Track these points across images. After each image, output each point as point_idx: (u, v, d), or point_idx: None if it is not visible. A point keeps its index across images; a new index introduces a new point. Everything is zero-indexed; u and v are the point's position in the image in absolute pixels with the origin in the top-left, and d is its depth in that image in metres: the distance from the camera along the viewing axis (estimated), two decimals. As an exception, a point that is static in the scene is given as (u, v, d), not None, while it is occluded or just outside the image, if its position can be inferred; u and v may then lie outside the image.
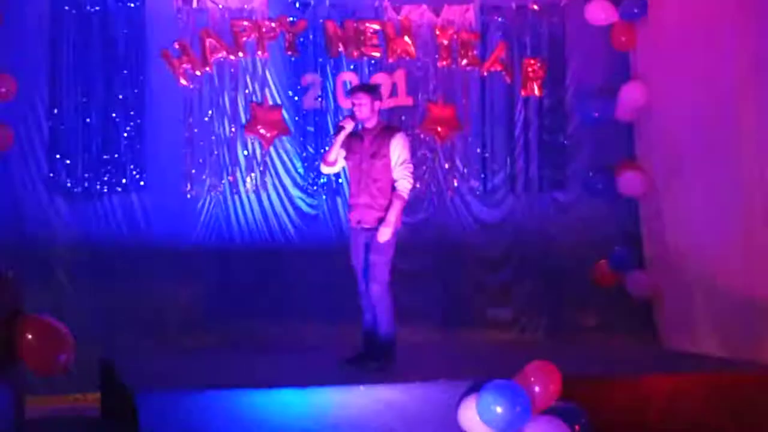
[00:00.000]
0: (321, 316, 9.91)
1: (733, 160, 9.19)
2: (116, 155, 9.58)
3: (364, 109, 7.54)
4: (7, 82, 9.11)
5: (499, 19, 10.58)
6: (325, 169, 7.92)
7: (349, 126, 7.55)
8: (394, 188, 7.50)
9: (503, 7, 10.58)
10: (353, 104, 7.62)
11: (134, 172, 9.62)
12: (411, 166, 7.62)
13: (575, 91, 10.79)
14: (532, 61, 10.65)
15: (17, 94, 9.20)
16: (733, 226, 9.20)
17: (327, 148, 7.88)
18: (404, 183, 7.53)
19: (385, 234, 7.40)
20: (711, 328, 9.48)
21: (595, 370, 7.55)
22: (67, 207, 9.46)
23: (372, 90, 7.80)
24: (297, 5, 10.07)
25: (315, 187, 10.06)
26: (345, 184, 10.06)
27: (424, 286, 10.31)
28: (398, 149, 7.54)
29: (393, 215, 7.44)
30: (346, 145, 7.60)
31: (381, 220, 7.41)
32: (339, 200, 10.08)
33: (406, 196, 7.57)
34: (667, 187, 10.19)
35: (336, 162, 7.70)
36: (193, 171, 9.78)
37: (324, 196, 10.08)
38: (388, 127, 7.83)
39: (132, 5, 9.64)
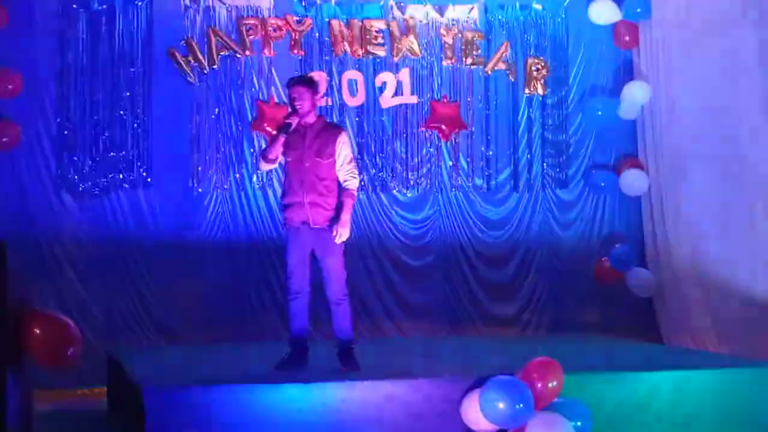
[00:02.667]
0: (326, 312, 9.94)
1: (735, 159, 9.22)
2: (123, 152, 9.64)
3: (306, 103, 7.09)
4: (15, 79, 9.18)
5: (503, 19, 10.63)
6: (264, 167, 7.38)
7: (294, 122, 7.07)
8: (341, 187, 7.13)
9: (507, 7, 10.63)
10: (293, 98, 7.11)
11: (141, 169, 9.68)
12: (355, 163, 7.32)
13: (578, 89, 10.85)
14: (536, 60, 10.69)
15: (25, 91, 9.27)
16: (735, 224, 9.24)
17: (266, 146, 7.28)
18: (354, 182, 7.18)
19: (344, 235, 7.07)
20: (712, 326, 9.52)
21: (597, 366, 7.57)
22: (75, 203, 9.52)
23: (311, 83, 7.31)
24: (303, 4, 10.13)
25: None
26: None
27: (428, 283, 10.37)
28: (345, 148, 7.18)
29: (348, 215, 7.09)
30: (285, 141, 7.11)
31: (331, 220, 7.04)
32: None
33: (356, 195, 7.31)
34: (669, 185, 10.22)
35: (277, 159, 7.23)
36: (200, 168, 9.83)
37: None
38: (329, 125, 7.44)
39: (139, 3, 9.72)
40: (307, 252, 7.14)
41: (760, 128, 8.95)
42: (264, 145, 7.21)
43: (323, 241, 7.07)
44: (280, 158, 7.22)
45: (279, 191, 9.92)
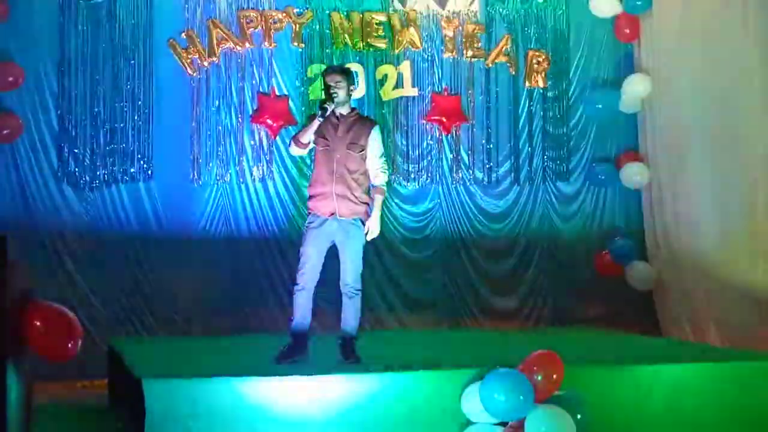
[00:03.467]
0: (326, 304, 9.95)
1: (736, 152, 9.22)
2: (124, 145, 9.65)
3: (341, 92, 7.00)
4: (16, 71, 9.18)
5: (504, 11, 10.62)
6: (295, 151, 7.23)
7: (330, 108, 6.97)
8: (370, 182, 7.16)
9: (508, -1, 10.65)
10: (329, 86, 7.01)
11: (142, 162, 9.68)
12: (385, 158, 7.29)
13: (579, 82, 10.85)
14: (537, 53, 10.69)
15: (26, 83, 9.29)
16: (735, 216, 9.25)
17: (301, 130, 7.17)
18: (384, 177, 7.18)
19: (376, 231, 7.10)
20: (712, 319, 9.53)
21: (597, 359, 7.57)
22: (76, 196, 9.53)
23: (348, 73, 7.26)
24: (303, -4, 10.14)
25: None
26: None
27: (429, 276, 10.38)
28: (377, 142, 7.14)
29: (379, 211, 7.11)
30: (317, 130, 7.02)
31: (356, 214, 7.01)
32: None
33: (386, 190, 7.31)
34: (670, 178, 10.23)
35: (309, 145, 7.12)
36: (200, 160, 9.84)
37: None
38: (363, 117, 7.35)
39: (139, -5, 9.73)
40: (327, 245, 7.07)
41: (760, 121, 8.95)
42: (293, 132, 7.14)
43: (348, 233, 7.03)
44: (311, 145, 7.13)
45: (279, 184, 9.98)
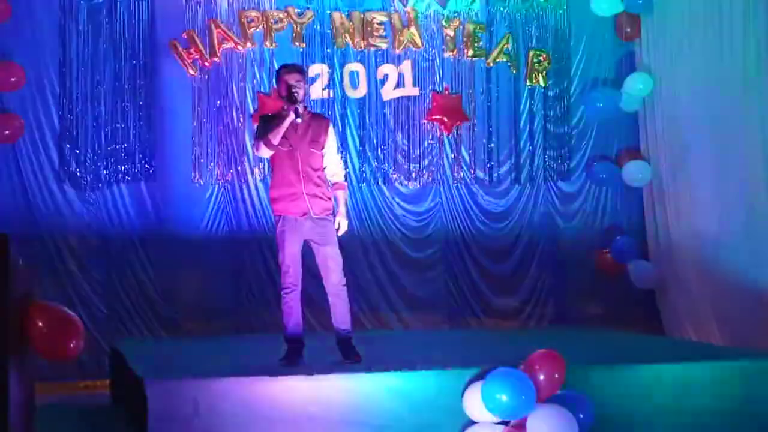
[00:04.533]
0: (327, 304, 9.95)
1: (737, 150, 9.21)
2: (125, 145, 9.66)
3: (301, 91, 6.93)
4: (17, 72, 9.19)
5: (505, 11, 10.62)
6: (265, 153, 6.96)
7: (301, 108, 6.85)
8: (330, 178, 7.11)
9: (509, -1, 10.65)
10: (291, 85, 6.86)
11: (143, 162, 9.69)
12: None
13: (580, 81, 10.85)
14: (538, 52, 10.69)
15: (27, 84, 9.30)
16: (737, 215, 9.23)
17: (265, 131, 6.87)
18: (343, 173, 7.28)
19: (345, 226, 7.10)
20: (714, 318, 9.52)
21: (599, 358, 7.57)
22: (77, 196, 9.55)
23: (305, 72, 7.24)
24: (304, -5, 10.14)
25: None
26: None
27: (430, 275, 10.38)
28: (334, 138, 7.17)
29: (345, 206, 7.18)
30: (267, 129, 6.88)
31: (327, 210, 6.97)
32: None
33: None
34: (671, 177, 10.22)
35: (277, 145, 6.92)
36: (202, 160, 9.85)
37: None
38: (317, 115, 7.32)
39: (140, -5, 9.73)
40: (301, 244, 7.02)
41: (761, 120, 8.94)
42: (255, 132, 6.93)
43: (323, 230, 6.99)
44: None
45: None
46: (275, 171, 7.06)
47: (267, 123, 6.96)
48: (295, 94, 6.87)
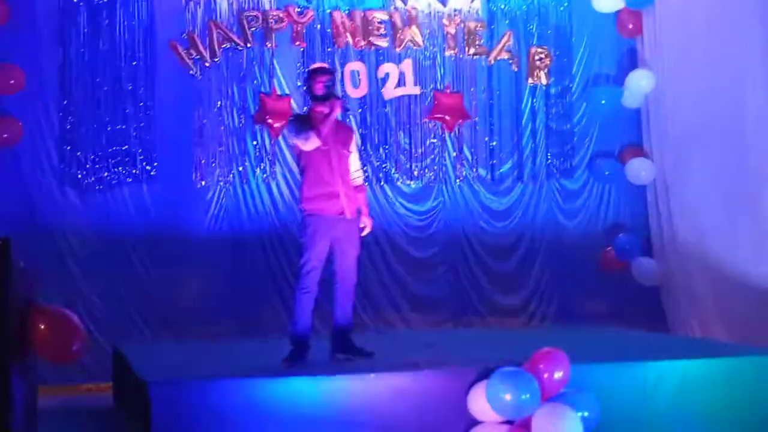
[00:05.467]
0: (330, 304, 9.94)
1: (740, 147, 9.19)
2: (126, 146, 9.63)
3: (334, 89, 7.21)
4: (17, 74, 9.17)
5: (506, 8, 10.60)
6: (312, 145, 6.93)
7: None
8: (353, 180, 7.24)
9: (509, -4, 10.63)
10: (328, 86, 7.09)
11: (144, 163, 9.67)
12: None
13: (582, 79, 10.83)
14: (539, 50, 10.67)
15: (27, 86, 9.27)
16: (741, 212, 9.22)
17: (311, 126, 6.93)
18: (363, 175, 7.47)
19: (371, 225, 7.30)
20: (718, 315, 9.51)
21: (603, 356, 7.56)
22: (78, 198, 9.52)
23: (335, 72, 7.48)
24: (304, -5, 10.12)
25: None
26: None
27: (433, 274, 10.36)
28: (356, 144, 7.44)
29: (368, 206, 7.41)
30: (312, 128, 6.99)
31: (357, 210, 7.16)
32: (347, 189, 10.13)
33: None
34: (674, 173, 10.20)
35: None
36: (203, 161, 9.82)
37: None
38: (339, 121, 7.37)
39: (140, -4, 9.72)
40: (329, 246, 7.09)
41: (764, 116, 8.92)
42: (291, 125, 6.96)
43: (353, 231, 7.13)
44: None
45: (282, 184, 9.95)
46: (309, 170, 7.08)
47: (304, 122, 7.05)
48: (333, 90, 7.13)
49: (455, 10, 10.46)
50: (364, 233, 7.27)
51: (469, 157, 10.52)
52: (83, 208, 9.52)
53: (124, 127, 9.63)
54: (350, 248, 7.12)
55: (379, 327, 9.99)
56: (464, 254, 10.47)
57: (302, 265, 7.06)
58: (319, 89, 7.08)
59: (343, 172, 7.08)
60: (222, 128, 9.89)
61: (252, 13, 9.96)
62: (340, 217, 7.03)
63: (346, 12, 10.18)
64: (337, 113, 7.05)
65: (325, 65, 7.77)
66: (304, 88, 7.47)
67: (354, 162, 7.28)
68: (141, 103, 9.68)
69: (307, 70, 7.88)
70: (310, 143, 6.93)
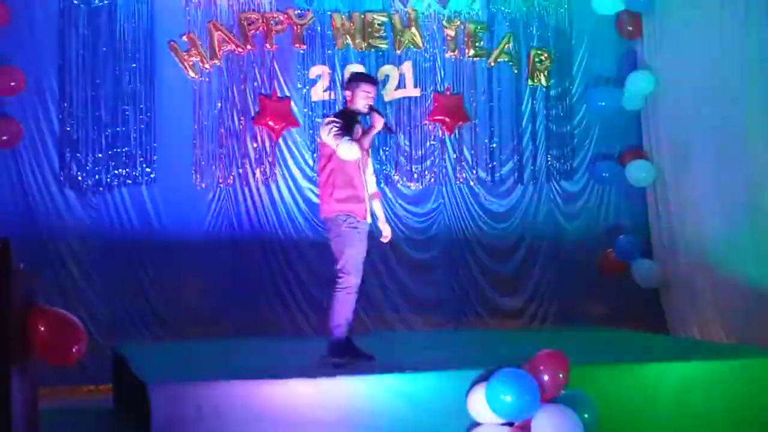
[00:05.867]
0: (322, 306, 9.96)
1: (740, 148, 9.20)
2: (126, 148, 9.64)
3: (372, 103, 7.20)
4: (17, 76, 9.17)
5: (506, 10, 10.61)
6: (349, 156, 6.89)
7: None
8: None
9: (509, -2, 10.64)
10: (368, 95, 7.11)
11: (144, 165, 9.67)
12: None
13: (582, 80, 10.83)
14: (539, 52, 10.68)
15: (27, 88, 9.28)
16: (740, 214, 9.22)
17: (353, 134, 6.93)
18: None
19: (389, 231, 7.45)
20: (718, 316, 9.51)
21: (603, 358, 7.55)
22: (78, 200, 9.52)
23: (378, 84, 7.49)
24: (304, -3, 10.12)
25: (324, 179, 10.10)
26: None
27: (433, 276, 10.37)
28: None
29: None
30: (348, 131, 6.97)
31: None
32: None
33: None
34: (674, 175, 10.21)
35: None
36: (203, 163, 9.83)
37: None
38: None
39: (140, -2, 9.72)
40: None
41: (764, 118, 8.92)
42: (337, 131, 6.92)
43: (366, 235, 7.12)
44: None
45: (282, 186, 9.95)
46: (338, 173, 7.02)
47: (348, 127, 6.99)
48: (370, 105, 7.08)
49: (455, 12, 10.47)
50: (386, 240, 7.40)
51: (469, 159, 10.52)
52: (83, 209, 9.52)
53: (124, 128, 9.64)
54: (365, 251, 7.13)
55: (379, 329, 9.99)
56: (464, 256, 10.47)
57: (344, 264, 7.02)
58: (359, 97, 7.07)
59: (368, 177, 7.20)
60: (222, 130, 9.90)
61: (252, 15, 9.97)
62: (364, 221, 7.07)
63: (346, 14, 10.19)
64: (379, 129, 7.04)
65: (372, 75, 7.89)
66: (345, 90, 7.36)
67: (371, 168, 7.37)
68: (141, 105, 9.68)
69: (351, 72, 7.83)
70: (352, 154, 6.88)
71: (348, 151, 6.83)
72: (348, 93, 7.14)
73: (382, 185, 10.26)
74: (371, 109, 7.09)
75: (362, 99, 7.06)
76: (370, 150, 7.29)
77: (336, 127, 6.90)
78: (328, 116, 7.40)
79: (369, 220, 7.11)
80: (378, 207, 7.37)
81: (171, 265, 9.60)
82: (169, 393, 6.03)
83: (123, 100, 9.64)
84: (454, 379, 6.48)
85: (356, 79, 7.27)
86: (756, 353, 7.69)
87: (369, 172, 7.29)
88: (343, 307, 6.97)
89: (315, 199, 10.05)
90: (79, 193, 9.52)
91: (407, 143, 10.38)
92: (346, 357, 6.90)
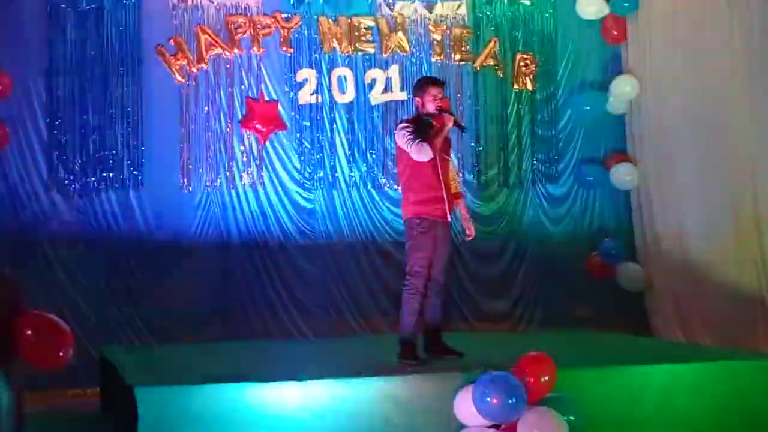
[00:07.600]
0: (318, 309, 9.98)
1: (723, 152, 9.26)
2: (113, 152, 9.64)
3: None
4: (4, 80, 9.15)
5: (491, 15, 10.65)
6: (423, 158, 7.08)
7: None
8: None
9: (495, 3, 10.66)
10: (436, 97, 7.31)
11: (131, 169, 9.67)
12: None
13: (567, 85, 10.87)
14: (525, 56, 10.72)
15: (14, 92, 9.26)
16: (723, 217, 9.28)
17: (430, 139, 7.08)
18: None
19: (474, 229, 7.57)
20: (702, 319, 9.55)
21: (589, 361, 7.58)
22: (65, 203, 9.51)
23: (445, 85, 7.68)
24: (291, 1, 10.12)
25: (311, 182, 10.13)
26: (341, 178, 10.14)
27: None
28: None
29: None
30: (421, 135, 7.14)
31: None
32: (335, 194, 10.15)
33: None
34: (658, 179, 10.26)
35: None
36: (190, 167, 9.83)
37: (320, 190, 10.14)
38: None
39: (127, 2, 9.70)
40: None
41: (747, 122, 8.98)
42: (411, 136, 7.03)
43: (448, 234, 7.34)
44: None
45: (269, 189, 9.95)
46: (415, 177, 7.21)
47: (418, 131, 7.14)
48: (440, 106, 7.28)
49: (441, 17, 10.50)
50: (470, 238, 7.54)
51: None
52: (70, 213, 9.50)
53: (111, 132, 9.63)
54: (445, 250, 7.32)
55: (366, 331, 10.00)
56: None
57: (411, 266, 7.20)
58: (428, 100, 7.27)
59: (446, 178, 7.24)
60: (209, 133, 9.91)
61: (239, 19, 9.99)
62: (442, 220, 7.20)
63: (333, 18, 10.22)
64: (450, 127, 7.17)
65: (438, 78, 8.01)
66: (414, 97, 7.49)
67: (453, 169, 7.50)
68: (128, 109, 9.68)
69: (417, 80, 7.99)
70: (424, 155, 7.08)
71: (421, 152, 7.06)
72: (418, 100, 7.35)
73: (369, 188, 10.30)
74: (441, 110, 7.26)
75: (431, 102, 7.27)
76: (450, 151, 7.47)
77: (408, 131, 7.13)
78: (401, 122, 7.57)
79: (449, 219, 7.25)
80: (462, 207, 7.56)
81: (158, 269, 9.59)
82: (156, 396, 6.03)
83: (110, 103, 9.64)
84: (440, 381, 6.50)
85: (422, 84, 7.48)
86: (739, 355, 7.73)
87: (450, 173, 7.41)
88: (410, 307, 7.19)
89: (302, 202, 10.10)
90: (66, 197, 9.51)
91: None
92: (415, 357, 7.10)
